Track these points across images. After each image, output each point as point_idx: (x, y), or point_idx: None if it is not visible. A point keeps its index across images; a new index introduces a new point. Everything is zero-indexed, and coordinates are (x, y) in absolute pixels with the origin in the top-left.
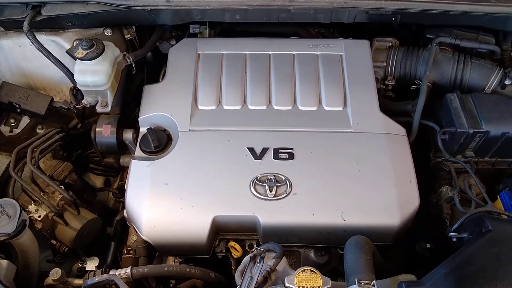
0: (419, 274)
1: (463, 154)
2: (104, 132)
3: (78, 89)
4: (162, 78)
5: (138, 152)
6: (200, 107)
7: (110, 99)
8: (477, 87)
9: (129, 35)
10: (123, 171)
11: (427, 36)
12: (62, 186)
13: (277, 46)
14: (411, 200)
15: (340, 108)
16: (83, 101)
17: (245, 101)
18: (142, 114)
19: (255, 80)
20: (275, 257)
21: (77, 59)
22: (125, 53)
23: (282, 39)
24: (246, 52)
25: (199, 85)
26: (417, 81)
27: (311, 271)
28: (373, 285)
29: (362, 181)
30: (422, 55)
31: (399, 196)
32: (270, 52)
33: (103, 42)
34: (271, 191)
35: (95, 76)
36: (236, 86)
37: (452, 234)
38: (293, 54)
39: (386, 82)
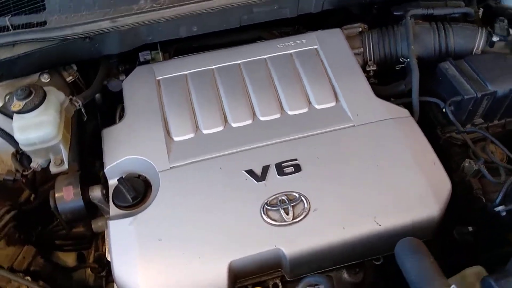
0: (459, 263)
1: (472, 122)
2: (66, 196)
3: (23, 152)
4: (120, 118)
5: (113, 210)
6: (176, 139)
7: (65, 154)
8: (465, 52)
9: (70, 77)
10: (98, 238)
11: (395, 13)
12: (29, 277)
13: (245, 54)
14: (443, 183)
15: (333, 103)
16: (31, 165)
17: (226, 120)
18: (107, 163)
19: (231, 95)
20: None
21: (14, 114)
22: (71, 96)
23: (248, 45)
24: (212, 67)
25: (168, 114)
26: (401, 59)
27: None
28: None
29: (385, 176)
30: (399, 32)
31: (430, 182)
32: (239, 62)
33: (42, 87)
34: (287, 213)
35: (40, 129)
36: (211, 106)
37: (499, 208)
38: (265, 58)
39: (367, 69)
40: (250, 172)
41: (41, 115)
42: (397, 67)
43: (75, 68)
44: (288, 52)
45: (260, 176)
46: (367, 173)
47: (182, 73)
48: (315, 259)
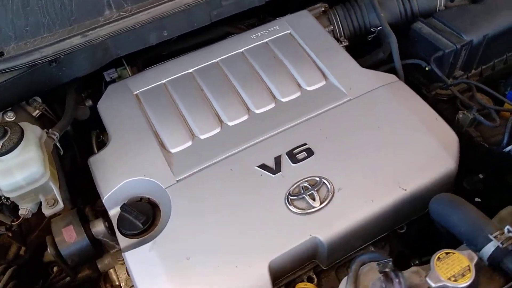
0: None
1: (453, 76)
2: (68, 238)
3: (5, 201)
4: (98, 145)
5: (123, 241)
6: (173, 151)
7: (57, 192)
8: (429, 10)
9: (37, 111)
10: (105, 278)
11: None
12: None
13: (219, 51)
14: (450, 137)
15: (323, 82)
16: (20, 213)
17: (221, 121)
18: (104, 193)
19: (219, 94)
20: (390, 267)
21: None
22: (46, 130)
23: (220, 42)
24: (190, 70)
25: (157, 127)
26: (372, 29)
27: (446, 253)
28: (509, 231)
29: (396, 141)
30: (363, 4)
31: (439, 138)
32: (216, 60)
33: (17, 123)
34: (314, 199)
35: (26, 169)
36: (201, 109)
37: (508, 148)
38: (242, 52)
39: (340, 45)
40: (263, 167)
41: (23, 153)
42: (369, 38)
43: (40, 100)
44: (263, 41)
45: (274, 169)
46: (378, 142)
47: (160, 82)
48: (350, 239)
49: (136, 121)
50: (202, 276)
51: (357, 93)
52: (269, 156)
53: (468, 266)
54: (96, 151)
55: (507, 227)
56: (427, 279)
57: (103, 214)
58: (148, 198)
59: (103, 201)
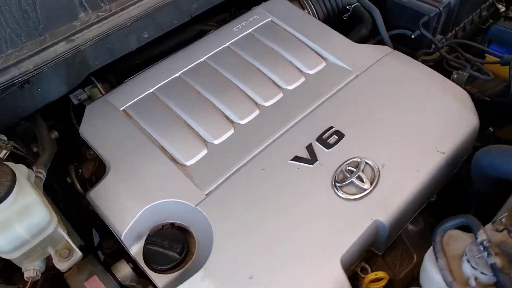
0: None
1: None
2: None
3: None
4: (79, 178)
5: (159, 279)
6: (188, 163)
7: (68, 238)
8: None
9: (5, 151)
10: None
11: None
12: None
13: (203, 49)
14: (463, 94)
15: (324, 63)
16: (26, 276)
17: (231, 121)
18: (120, 229)
19: (219, 93)
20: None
21: None
22: (30, 168)
23: (199, 40)
24: (178, 74)
25: (162, 141)
26: (348, 7)
27: None
28: None
29: (418, 107)
30: None
31: (455, 97)
32: (203, 59)
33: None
34: (363, 181)
35: (28, 218)
36: (205, 112)
37: None
38: (228, 46)
39: None
40: (298, 159)
41: (19, 199)
42: (344, 17)
43: (5, 137)
44: (247, 32)
45: (310, 158)
46: (401, 111)
47: (147, 92)
48: (405, 216)
49: (133, 139)
50: None
51: (362, 68)
52: (299, 147)
53: None
54: (79, 187)
55: None
56: None
57: (115, 256)
58: (172, 224)
59: (122, 239)
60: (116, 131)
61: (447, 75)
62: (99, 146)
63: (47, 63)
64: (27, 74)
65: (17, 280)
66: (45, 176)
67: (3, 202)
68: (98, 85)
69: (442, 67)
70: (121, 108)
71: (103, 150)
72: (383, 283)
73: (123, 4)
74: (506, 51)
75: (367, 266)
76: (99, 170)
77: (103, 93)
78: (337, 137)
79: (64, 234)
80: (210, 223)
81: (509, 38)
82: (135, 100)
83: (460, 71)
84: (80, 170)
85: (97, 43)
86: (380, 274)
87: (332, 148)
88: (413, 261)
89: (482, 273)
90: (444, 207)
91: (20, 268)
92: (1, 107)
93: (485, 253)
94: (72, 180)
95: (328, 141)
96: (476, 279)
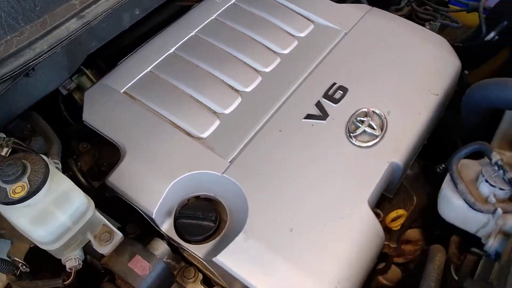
0: None
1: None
2: (142, 271)
3: (23, 268)
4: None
5: (199, 249)
6: (204, 135)
7: (106, 221)
8: None
9: (6, 148)
10: None
11: None
12: None
13: (191, 24)
14: (441, 40)
15: (312, 25)
16: (69, 266)
17: (236, 90)
18: (150, 208)
19: (218, 64)
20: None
21: (12, 207)
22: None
23: (184, 16)
24: (172, 50)
25: (172, 117)
26: None
27: None
28: None
29: (408, 55)
30: None
31: (435, 43)
32: (193, 33)
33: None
34: (374, 128)
35: (68, 204)
36: (209, 84)
37: (489, 36)
38: (215, 18)
39: None
40: (310, 117)
41: (54, 188)
42: None
43: (4, 135)
44: (231, 3)
45: (322, 114)
46: (394, 61)
47: (145, 71)
48: (412, 156)
49: (143, 119)
50: (313, 240)
51: (348, 26)
52: (309, 105)
53: None
54: (82, 180)
55: None
56: None
57: (139, 240)
58: (197, 197)
59: (153, 217)
60: (123, 113)
61: None
62: (109, 131)
63: (62, 41)
64: (41, 55)
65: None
66: (60, 166)
67: (39, 193)
68: (87, 71)
69: (412, 20)
70: (122, 90)
71: (114, 135)
72: (402, 220)
73: None
74: None
75: (379, 211)
76: (104, 157)
77: (93, 79)
78: (342, 92)
79: (102, 217)
80: (241, 187)
81: None
82: (135, 80)
83: (432, 22)
84: (79, 164)
85: (95, 24)
86: (400, 211)
87: (339, 103)
88: (414, 203)
89: (500, 189)
90: (432, 151)
91: (45, 266)
92: (6, 100)
93: (501, 171)
94: (73, 173)
95: (334, 96)
96: (494, 195)
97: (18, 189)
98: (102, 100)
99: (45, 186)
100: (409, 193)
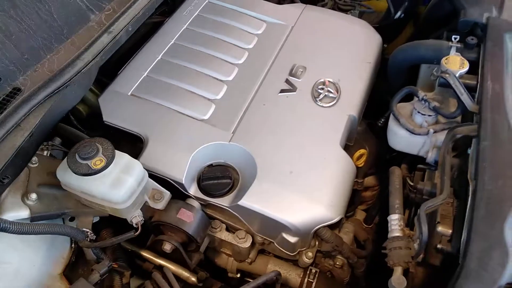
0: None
1: None
2: (188, 219)
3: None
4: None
5: (224, 200)
6: (205, 117)
7: (156, 184)
8: None
9: (46, 151)
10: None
11: None
12: None
13: (169, 35)
14: (364, 22)
15: (265, 24)
16: (135, 222)
17: (220, 80)
18: (180, 176)
19: (200, 62)
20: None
21: (94, 176)
22: None
23: (161, 29)
24: (159, 57)
25: (177, 107)
26: None
27: None
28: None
29: (343, 37)
30: None
31: (360, 25)
32: (172, 41)
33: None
34: (331, 92)
35: (132, 170)
36: (199, 79)
37: (397, 15)
38: (187, 28)
39: None
40: (284, 91)
41: (118, 160)
42: None
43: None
44: (196, 14)
45: (292, 88)
46: (334, 42)
47: (143, 76)
48: (361, 110)
49: (153, 112)
50: (308, 176)
51: (293, 21)
52: (280, 83)
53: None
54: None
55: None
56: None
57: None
58: (210, 165)
59: (183, 183)
60: (136, 110)
61: None
62: (129, 125)
63: (95, 57)
64: (88, 64)
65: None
66: None
67: (113, 161)
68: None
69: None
70: (129, 93)
71: (135, 127)
72: (364, 158)
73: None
74: None
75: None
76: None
77: (95, 90)
78: (301, 70)
79: (153, 181)
80: (246, 149)
81: None
82: (137, 84)
83: (352, 11)
84: None
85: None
86: (362, 151)
87: (302, 78)
88: (366, 151)
89: (429, 115)
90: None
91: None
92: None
93: (427, 103)
94: None
95: (297, 73)
96: (426, 122)
97: (97, 162)
98: (116, 103)
99: (116, 158)
100: (362, 143)
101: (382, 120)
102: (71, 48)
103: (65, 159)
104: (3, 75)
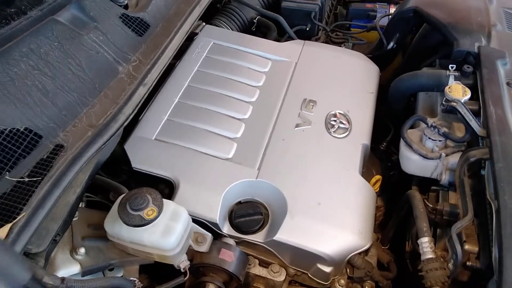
0: None
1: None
2: (230, 258)
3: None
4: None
5: (258, 237)
6: (229, 156)
7: (198, 227)
8: None
9: (82, 203)
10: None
11: None
12: None
13: (182, 77)
14: (360, 54)
15: (270, 61)
16: (183, 268)
17: (238, 119)
18: (214, 216)
19: (217, 102)
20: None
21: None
22: None
23: (173, 72)
24: (176, 100)
25: (201, 148)
26: (254, 20)
27: None
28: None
29: (344, 69)
30: (234, 6)
31: (358, 58)
32: (186, 83)
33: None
34: (344, 123)
35: (179, 218)
36: (218, 118)
37: (389, 46)
38: (197, 70)
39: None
40: (299, 125)
41: (165, 208)
42: (253, 29)
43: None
44: (204, 55)
45: (306, 122)
46: (337, 75)
47: (164, 120)
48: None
49: (180, 155)
50: (336, 206)
51: (295, 57)
52: (294, 117)
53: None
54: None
55: None
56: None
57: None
58: (239, 202)
59: (217, 222)
60: (163, 154)
61: None
62: (158, 170)
63: (137, 106)
64: (129, 117)
65: None
66: None
67: (162, 213)
68: None
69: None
70: (153, 138)
71: (164, 172)
72: (379, 183)
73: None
74: (364, 21)
75: None
76: None
77: None
78: (312, 104)
79: (195, 225)
80: (274, 184)
81: (362, 13)
82: (159, 128)
83: (345, 43)
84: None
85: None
86: (377, 177)
87: (314, 112)
88: (373, 175)
89: (439, 141)
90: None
91: None
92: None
93: (436, 129)
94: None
95: (308, 108)
96: (436, 146)
97: (149, 212)
98: (142, 149)
99: (164, 205)
100: (369, 168)
101: (384, 144)
102: (106, 101)
103: (112, 210)
104: (44, 133)
